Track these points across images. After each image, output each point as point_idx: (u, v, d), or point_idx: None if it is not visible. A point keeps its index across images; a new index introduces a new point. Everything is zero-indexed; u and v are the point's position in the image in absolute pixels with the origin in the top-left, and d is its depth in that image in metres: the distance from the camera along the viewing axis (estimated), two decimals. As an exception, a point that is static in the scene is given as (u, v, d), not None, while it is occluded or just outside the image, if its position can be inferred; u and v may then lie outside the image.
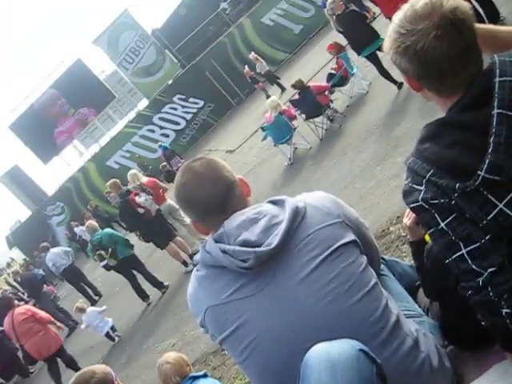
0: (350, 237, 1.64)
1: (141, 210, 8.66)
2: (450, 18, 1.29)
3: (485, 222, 1.30)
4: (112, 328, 8.63)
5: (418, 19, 1.31)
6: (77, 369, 7.62)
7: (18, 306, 8.54)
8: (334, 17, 8.78)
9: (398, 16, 1.39)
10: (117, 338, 8.65)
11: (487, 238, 1.32)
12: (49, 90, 27.81)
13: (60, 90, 27.45)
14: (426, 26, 1.30)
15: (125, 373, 6.98)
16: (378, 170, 6.51)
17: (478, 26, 1.41)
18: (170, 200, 9.30)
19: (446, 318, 1.82)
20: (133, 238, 9.90)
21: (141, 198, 8.65)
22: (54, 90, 27.77)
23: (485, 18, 6.17)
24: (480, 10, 6.16)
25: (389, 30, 1.42)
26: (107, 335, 8.62)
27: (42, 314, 8.31)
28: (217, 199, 1.65)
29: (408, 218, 1.86)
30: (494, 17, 6.70)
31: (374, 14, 11.82)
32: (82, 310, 8.50)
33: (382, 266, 1.98)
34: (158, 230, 8.91)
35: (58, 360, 8.35)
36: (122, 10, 28.29)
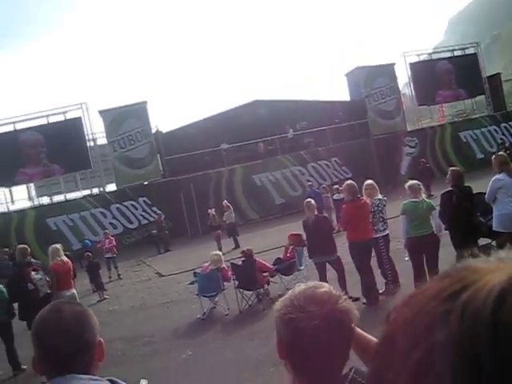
0: None
1: (30, 286, 8.47)
2: (337, 317, 1.38)
3: None
4: None
5: (311, 302, 1.40)
6: None
7: None
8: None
9: (299, 289, 1.46)
10: None
11: None
12: (36, 134, 27.63)
13: (46, 138, 27.41)
14: (314, 313, 1.38)
15: None
16: (270, 372, 6.45)
17: (358, 331, 1.52)
18: (75, 290, 9.12)
19: None
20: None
21: (37, 275, 8.55)
22: (41, 136, 27.63)
23: None
24: None
25: (286, 296, 1.49)
26: None
27: None
28: (63, 355, 1.60)
29: None
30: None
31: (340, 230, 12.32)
32: None
33: None
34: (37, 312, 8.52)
35: None
36: (143, 98, 29.23)
